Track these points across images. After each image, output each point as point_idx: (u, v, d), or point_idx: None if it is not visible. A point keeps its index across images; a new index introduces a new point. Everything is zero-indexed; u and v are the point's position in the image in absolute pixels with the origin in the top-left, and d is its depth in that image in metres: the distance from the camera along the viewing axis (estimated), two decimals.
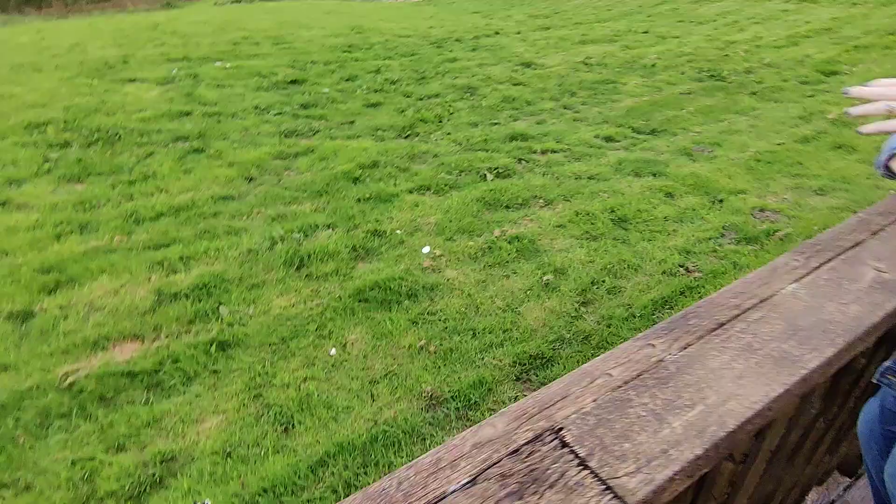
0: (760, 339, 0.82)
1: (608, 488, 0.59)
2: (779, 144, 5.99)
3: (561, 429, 0.66)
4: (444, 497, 0.56)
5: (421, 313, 3.44)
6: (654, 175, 5.34)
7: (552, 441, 0.64)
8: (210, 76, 8.29)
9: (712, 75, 8.36)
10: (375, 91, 7.87)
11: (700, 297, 3.51)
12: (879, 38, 9.69)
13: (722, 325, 0.87)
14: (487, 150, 5.92)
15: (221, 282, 3.69)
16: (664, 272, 3.83)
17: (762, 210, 4.66)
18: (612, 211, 4.62)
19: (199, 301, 3.51)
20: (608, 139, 6.33)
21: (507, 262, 3.96)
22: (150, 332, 3.28)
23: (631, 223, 4.47)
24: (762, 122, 6.67)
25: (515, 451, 0.63)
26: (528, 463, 0.61)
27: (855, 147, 5.76)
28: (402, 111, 7.10)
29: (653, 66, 8.97)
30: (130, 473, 2.44)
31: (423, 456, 0.62)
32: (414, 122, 6.74)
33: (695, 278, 3.74)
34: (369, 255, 4.06)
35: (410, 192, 5.00)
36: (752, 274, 1.00)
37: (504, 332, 3.27)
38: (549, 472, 0.60)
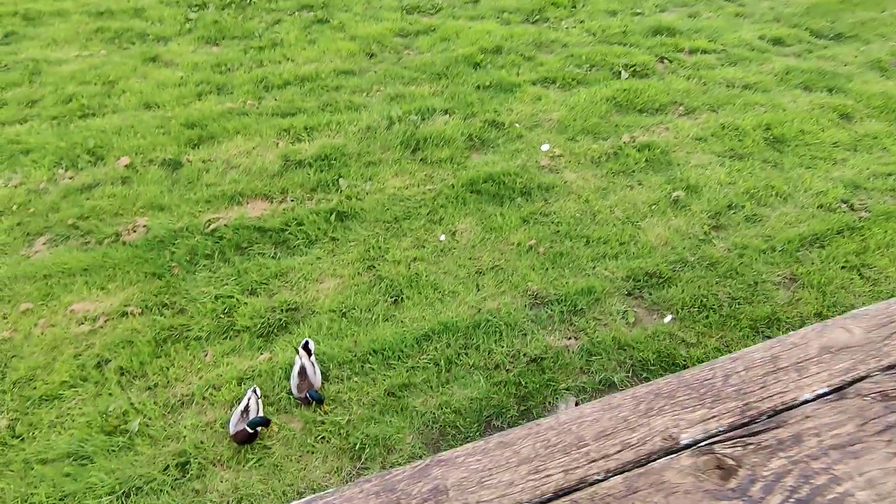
0: None
1: None
2: None
3: None
4: (797, 405, 0.47)
5: (533, 213, 3.32)
6: (830, 91, 4.45)
7: None
8: None
9: None
10: None
11: (863, 241, 3.03)
12: None
13: None
14: (625, 44, 5.23)
15: (341, 155, 3.78)
16: (820, 206, 3.32)
17: None
18: (768, 128, 3.98)
19: (321, 171, 3.65)
20: (776, 41, 5.30)
21: (634, 171, 3.63)
22: (278, 194, 3.51)
23: (788, 145, 3.84)
24: None
25: (893, 366, 0.51)
26: None
27: None
28: None
29: None
30: (261, 315, 2.75)
31: (750, 349, 0.53)
32: (544, 5, 6.06)
33: (860, 218, 3.20)
34: (485, 146, 3.92)
35: (534, 83, 4.63)
36: None
37: (621, 244, 3.09)
38: None
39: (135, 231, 3.26)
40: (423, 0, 6.25)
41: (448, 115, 4.21)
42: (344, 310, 2.78)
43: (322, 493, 0.43)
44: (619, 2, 6.19)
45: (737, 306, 2.75)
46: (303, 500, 0.43)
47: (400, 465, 2.14)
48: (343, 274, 2.97)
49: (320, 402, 2.31)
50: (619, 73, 4.71)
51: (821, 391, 0.47)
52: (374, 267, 3.01)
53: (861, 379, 0.48)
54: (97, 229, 3.27)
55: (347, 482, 2.11)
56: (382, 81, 4.69)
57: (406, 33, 5.60)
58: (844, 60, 4.93)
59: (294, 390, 2.36)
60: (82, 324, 2.74)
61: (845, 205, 3.31)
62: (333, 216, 3.30)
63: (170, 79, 4.68)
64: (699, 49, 5.15)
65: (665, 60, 4.97)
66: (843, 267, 2.91)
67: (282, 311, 2.79)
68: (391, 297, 2.83)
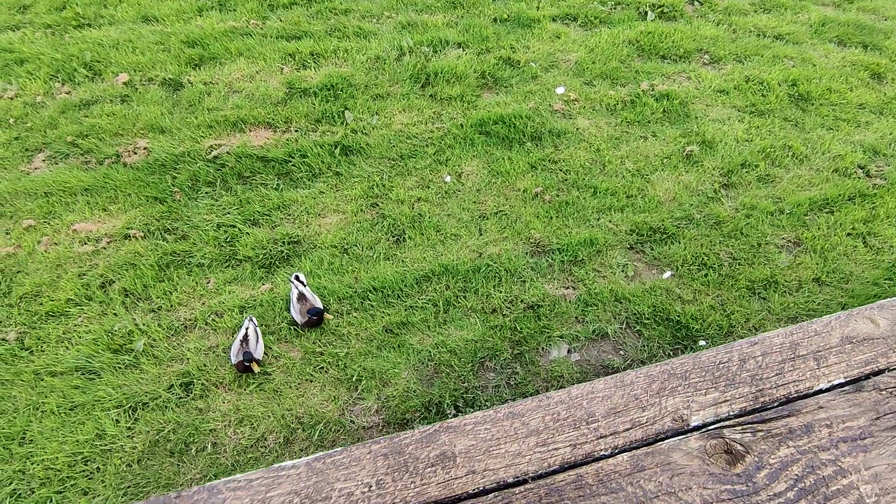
0: None
1: None
2: None
3: None
4: (812, 393, 0.47)
5: (542, 159, 3.25)
6: (866, 47, 4.22)
7: None
8: None
9: None
10: None
11: (873, 209, 2.99)
12: None
13: None
14: None
15: (348, 86, 3.64)
16: (836, 170, 3.24)
17: None
18: (794, 84, 3.81)
19: (327, 102, 3.53)
20: None
21: (649, 121, 3.51)
22: (282, 123, 3.41)
23: (813, 104, 3.70)
24: None
25: None
26: None
27: None
28: None
29: None
30: (263, 246, 2.76)
31: (770, 334, 0.53)
32: None
33: (874, 185, 3.14)
34: (497, 85, 3.76)
35: (554, 19, 4.37)
36: None
37: (628, 197, 3.04)
38: None
39: (135, 153, 3.19)
40: None
41: (462, 49, 4.01)
42: (346, 246, 2.78)
43: (330, 451, 0.44)
44: None
45: (737, 266, 2.75)
46: (311, 456, 0.44)
47: (394, 398, 2.24)
48: (346, 210, 2.95)
49: (325, 312, 2.40)
50: (646, 13, 4.44)
51: (837, 382, 0.47)
52: (378, 205, 2.98)
53: (880, 372, 0.48)
54: (97, 149, 3.20)
55: (344, 410, 2.22)
56: (394, 7, 4.42)
57: None
58: (886, 14, 4.63)
59: (297, 316, 2.41)
60: (85, 244, 2.74)
61: (861, 170, 3.23)
62: (338, 150, 3.22)
63: None
64: None
65: (695, 2, 4.66)
66: (848, 234, 2.89)
67: (284, 243, 2.79)
68: (393, 237, 2.83)
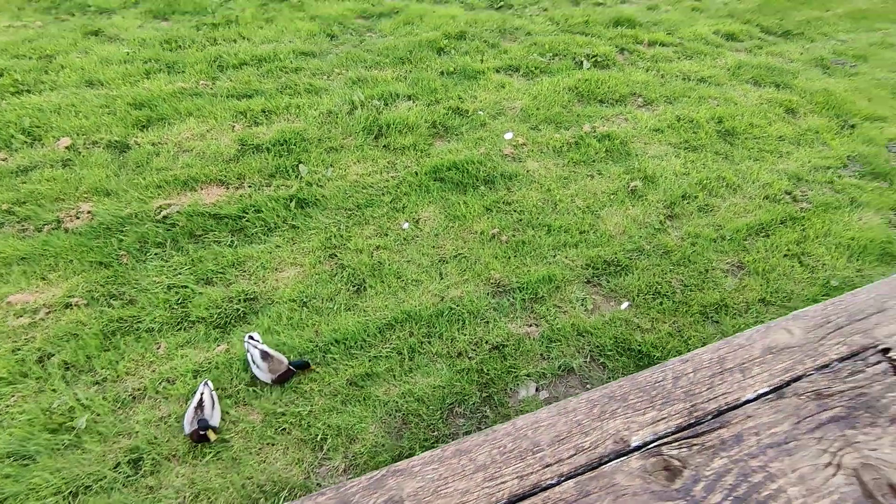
0: None
1: None
2: None
3: (889, 350, 0.56)
4: (740, 404, 0.49)
5: (496, 201, 3.34)
6: (778, 86, 4.65)
7: (878, 363, 0.54)
8: None
9: None
10: None
11: (803, 231, 3.21)
12: None
13: None
14: (587, 34, 5.29)
15: (301, 140, 3.68)
16: (766, 197, 3.48)
17: None
18: (720, 121, 4.13)
19: (280, 156, 3.54)
20: (730, 37, 5.48)
21: (594, 160, 3.70)
22: (235, 179, 3.38)
23: (738, 138, 4.01)
24: None
25: (826, 366, 0.54)
26: (850, 384, 0.52)
27: None
28: None
29: None
30: (218, 305, 2.67)
31: (700, 351, 0.55)
32: None
33: (801, 209, 3.39)
34: (448, 134, 3.90)
35: (498, 70, 4.62)
36: None
37: (581, 233, 3.15)
38: (884, 400, 0.51)
39: (78, 217, 3.08)
40: None
41: (412, 101, 4.16)
42: (305, 299, 2.73)
43: None
44: None
45: (689, 293, 2.86)
46: None
47: (362, 454, 2.15)
48: (304, 262, 2.91)
49: (306, 366, 2.32)
50: (582, 62, 4.77)
51: (762, 391, 0.50)
52: (336, 255, 2.96)
53: (798, 378, 0.51)
54: (35, 215, 3.07)
55: (309, 473, 2.10)
56: (344, 64, 4.57)
57: (369, 15, 5.47)
58: (791, 57, 5.16)
59: (263, 375, 2.31)
60: (21, 316, 2.58)
61: (788, 196, 3.49)
62: (293, 203, 3.22)
63: (114, 55, 4.40)
64: (657, 42, 5.26)
65: (625, 52, 5.05)
66: (785, 255, 3.08)
67: (240, 300, 2.71)
68: (353, 286, 2.80)
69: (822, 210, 3.39)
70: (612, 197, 3.42)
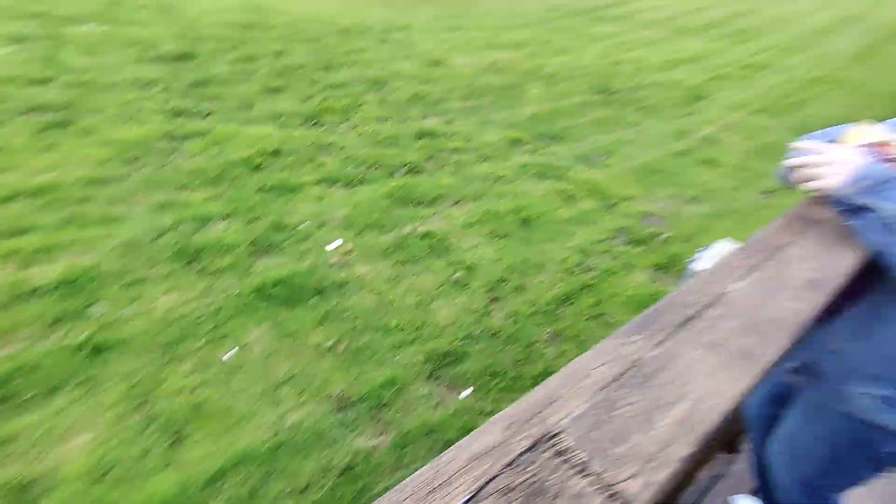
0: (723, 334, 0.85)
1: (613, 495, 0.57)
2: (660, 157, 6.66)
3: (556, 434, 0.63)
4: None
5: (329, 311, 3.29)
6: (557, 179, 5.65)
7: (548, 450, 0.62)
8: (77, 40, 7.21)
9: (604, 90, 9.07)
10: (277, 75, 7.41)
11: (598, 294, 3.78)
12: (737, 70, 11.19)
13: (690, 319, 0.89)
14: (397, 147, 5.85)
15: (93, 277, 3.22)
16: (565, 270, 4.07)
17: (648, 215, 5.14)
18: (518, 211, 4.81)
19: (65, 300, 3.03)
20: (514, 142, 6.58)
21: (419, 258, 3.94)
22: (0, 336, 2.77)
23: (535, 224, 4.69)
24: (646, 136, 7.37)
25: (512, 462, 0.60)
26: (528, 475, 0.58)
27: (719, 163, 6.59)
28: (308, 98, 6.77)
29: (553, 75, 9.51)
30: None
31: (418, 473, 0.57)
32: (320, 111, 6.45)
33: (592, 277, 4.02)
34: (272, 250, 3.80)
35: (317, 183, 4.77)
36: (703, 274, 1.04)
37: (416, 329, 3.25)
38: (548, 483, 0.58)
39: None
40: (191, 104, 6.04)
41: (227, 221, 4.01)
42: (105, 469, 2.24)
43: None
44: (388, 109, 6.96)
45: (519, 367, 3.10)
46: None
47: None
48: (101, 422, 2.43)
49: None
50: (394, 172, 5.21)
51: (464, 499, 0.55)
52: (145, 404, 2.54)
53: (492, 479, 0.58)
54: None
55: None
56: (146, 189, 4.25)
57: (174, 137, 5.27)
58: (561, 156, 6.37)
59: None
60: None
61: (580, 267, 4.13)
62: (85, 352, 2.73)
63: None
64: (458, 149, 6.05)
65: (432, 159, 5.68)
66: (587, 318, 3.57)
67: (8, 490, 2.11)
68: (170, 438, 2.40)
69: (608, 275, 4.07)
70: (439, 289, 3.64)
